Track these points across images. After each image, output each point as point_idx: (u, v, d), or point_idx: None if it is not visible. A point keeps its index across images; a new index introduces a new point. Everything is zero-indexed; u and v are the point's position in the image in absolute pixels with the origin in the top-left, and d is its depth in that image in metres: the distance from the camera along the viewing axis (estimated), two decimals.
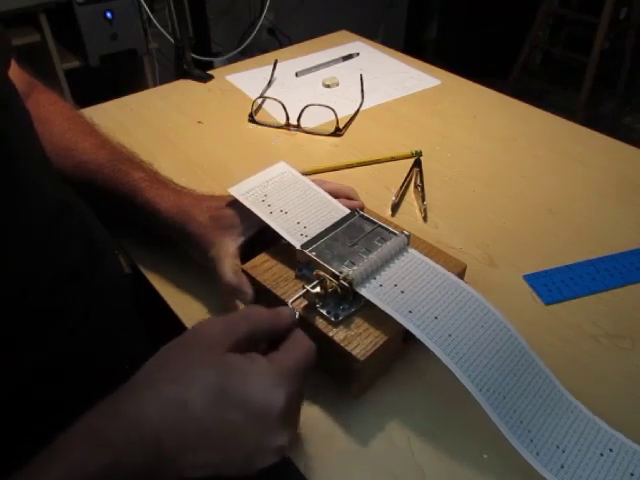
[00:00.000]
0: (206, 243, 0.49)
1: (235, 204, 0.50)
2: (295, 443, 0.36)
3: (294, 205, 0.50)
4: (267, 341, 0.36)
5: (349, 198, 0.54)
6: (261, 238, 0.50)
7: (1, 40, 0.54)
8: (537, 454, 0.36)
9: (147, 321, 0.55)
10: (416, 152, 0.71)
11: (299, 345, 0.35)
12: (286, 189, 0.52)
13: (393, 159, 0.71)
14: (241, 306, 0.48)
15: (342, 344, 0.41)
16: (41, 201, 0.42)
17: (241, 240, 0.49)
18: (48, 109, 0.59)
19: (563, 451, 0.37)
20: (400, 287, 0.43)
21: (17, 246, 0.38)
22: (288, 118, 0.78)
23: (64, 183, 0.50)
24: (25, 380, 0.39)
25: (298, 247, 0.46)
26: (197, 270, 0.53)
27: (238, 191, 0.51)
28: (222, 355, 0.32)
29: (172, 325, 0.50)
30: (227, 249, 0.48)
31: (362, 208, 0.53)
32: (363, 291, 0.43)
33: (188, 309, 0.51)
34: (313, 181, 0.54)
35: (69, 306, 0.42)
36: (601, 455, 0.37)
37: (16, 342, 0.38)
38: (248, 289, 0.46)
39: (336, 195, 0.53)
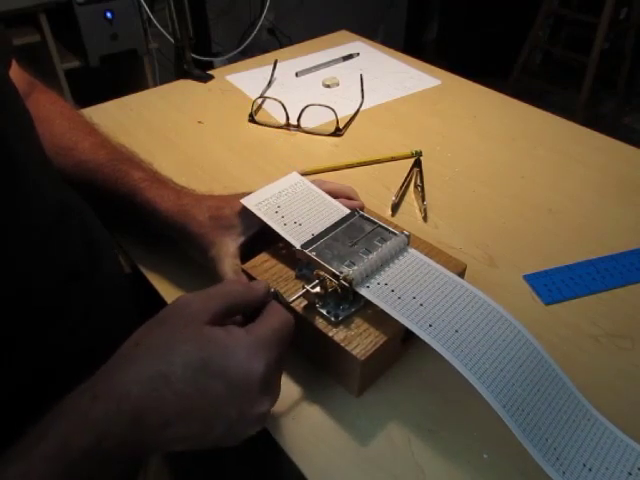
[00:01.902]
0: (206, 243, 0.49)
1: (235, 204, 0.50)
2: (271, 410, 0.36)
3: (308, 217, 0.50)
4: (244, 314, 0.37)
5: (349, 198, 0.54)
6: (261, 238, 0.50)
7: (2, 40, 0.54)
8: (564, 473, 0.35)
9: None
10: (416, 152, 0.71)
11: (274, 315, 0.36)
12: (299, 200, 0.52)
13: (393, 159, 0.71)
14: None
15: (342, 344, 0.41)
16: (41, 201, 0.42)
17: (241, 240, 0.49)
18: (48, 109, 0.59)
19: (590, 469, 0.36)
20: (400, 287, 0.43)
21: (17, 246, 0.38)
22: (288, 118, 0.78)
23: (64, 183, 0.50)
24: (25, 380, 0.39)
25: (298, 247, 0.46)
26: (197, 270, 0.53)
27: (250, 202, 0.50)
28: (201, 328, 0.33)
29: None
30: (227, 249, 0.48)
31: (362, 208, 0.53)
32: (363, 291, 0.43)
33: None
34: (313, 181, 0.54)
35: (69, 306, 0.42)
36: (629, 474, 0.36)
37: (16, 342, 0.38)
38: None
39: (336, 195, 0.53)
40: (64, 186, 0.49)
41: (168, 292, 0.53)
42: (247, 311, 0.37)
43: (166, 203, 0.52)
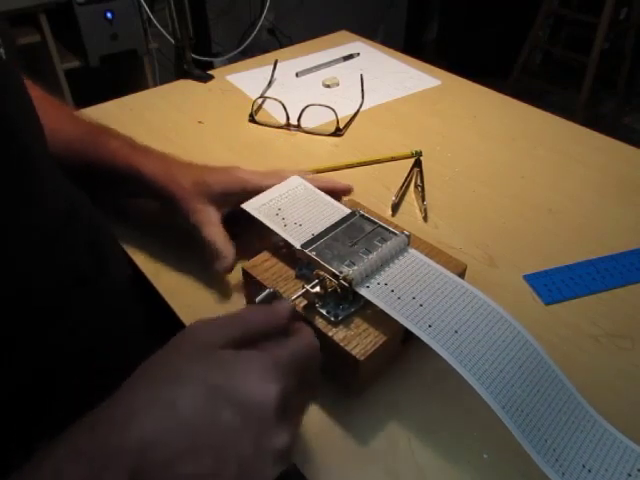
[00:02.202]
0: (190, 209, 0.50)
1: (220, 175, 0.52)
2: (296, 448, 0.34)
3: (308, 218, 0.50)
4: (267, 340, 0.34)
5: (335, 189, 0.56)
6: (243, 218, 0.51)
7: (6, 33, 0.54)
8: (563, 474, 0.35)
9: (148, 322, 0.55)
10: (416, 152, 0.71)
11: (297, 338, 0.34)
12: (300, 202, 0.52)
13: (393, 159, 0.71)
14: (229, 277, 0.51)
15: (342, 344, 0.41)
16: (52, 201, 0.42)
17: (224, 211, 0.51)
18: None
19: (589, 470, 0.36)
20: (400, 287, 0.43)
21: (23, 246, 0.38)
22: (288, 118, 0.78)
23: (72, 183, 0.50)
24: (25, 380, 0.39)
25: (298, 247, 0.46)
26: (199, 270, 0.53)
27: (251, 206, 0.51)
28: (212, 353, 0.31)
29: (172, 325, 0.50)
30: (209, 217, 0.50)
31: (350, 190, 0.56)
32: (363, 291, 0.43)
33: (188, 309, 0.51)
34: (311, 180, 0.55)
35: (69, 307, 0.42)
36: (629, 475, 0.36)
37: (16, 342, 0.38)
38: (229, 254, 0.48)
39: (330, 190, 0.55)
40: (72, 187, 0.49)
41: (169, 294, 0.53)
42: (271, 339, 0.34)
43: (151, 167, 0.52)
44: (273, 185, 0.53)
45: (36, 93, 0.58)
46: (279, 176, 0.54)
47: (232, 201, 0.52)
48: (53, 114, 0.56)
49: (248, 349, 0.32)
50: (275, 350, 0.32)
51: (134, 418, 0.28)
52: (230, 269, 0.49)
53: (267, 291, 0.38)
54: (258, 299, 0.38)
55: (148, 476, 0.27)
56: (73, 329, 0.42)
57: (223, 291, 0.52)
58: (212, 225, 0.49)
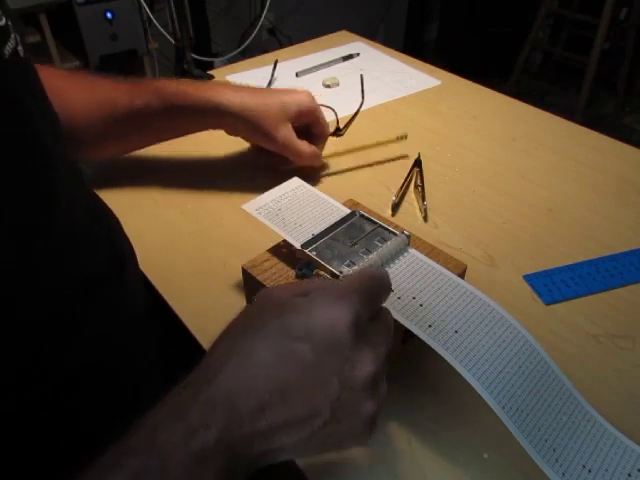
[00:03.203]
0: (274, 129, 0.60)
1: (294, 96, 0.63)
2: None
3: (309, 218, 0.50)
4: None
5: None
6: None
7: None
8: (563, 474, 0.35)
9: (163, 335, 0.54)
10: (402, 136, 0.72)
11: (363, 270, 0.35)
12: (300, 202, 0.52)
13: (378, 143, 0.73)
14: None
15: None
16: (73, 205, 0.41)
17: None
18: (57, 83, 0.58)
19: (590, 471, 0.36)
20: (400, 287, 0.43)
21: (47, 252, 0.37)
22: None
23: (94, 192, 0.49)
24: (45, 388, 0.38)
25: (298, 246, 0.46)
26: (199, 271, 0.53)
27: (251, 207, 0.51)
28: (286, 302, 0.31)
29: (180, 333, 0.50)
30: (293, 133, 0.62)
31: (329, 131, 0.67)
32: None
33: (187, 308, 0.51)
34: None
35: (93, 312, 0.41)
36: (629, 475, 0.36)
37: (39, 350, 0.37)
38: (319, 153, 0.65)
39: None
40: (93, 194, 0.49)
41: (170, 294, 0.53)
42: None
43: (234, 98, 0.59)
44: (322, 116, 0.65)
45: (69, 76, 0.61)
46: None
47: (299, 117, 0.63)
48: (90, 86, 0.61)
49: None
50: (342, 284, 0.32)
51: (218, 373, 0.28)
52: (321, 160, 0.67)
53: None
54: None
55: (240, 429, 0.27)
56: (93, 338, 0.42)
57: (223, 291, 0.52)
58: (295, 138, 0.62)
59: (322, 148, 0.67)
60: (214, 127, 0.64)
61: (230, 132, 0.65)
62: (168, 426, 0.27)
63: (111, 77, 0.62)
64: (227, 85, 0.63)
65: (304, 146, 0.62)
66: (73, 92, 0.59)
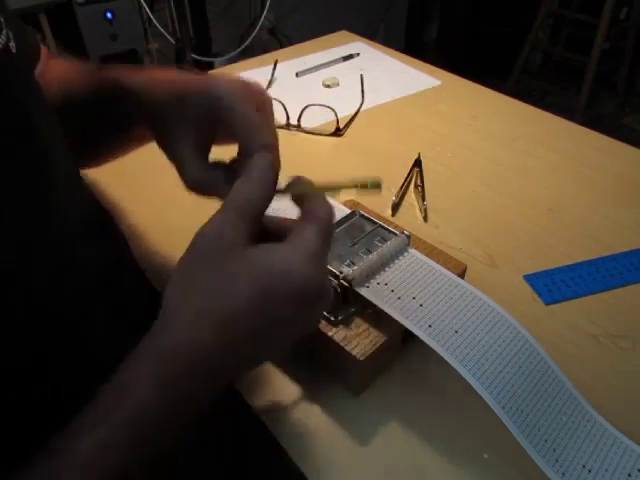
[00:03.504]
0: (168, 130, 0.42)
1: (196, 88, 0.40)
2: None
3: None
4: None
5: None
6: None
7: (31, 42, 0.50)
8: (563, 474, 0.36)
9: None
10: (376, 184, 0.68)
11: (312, 214, 0.33)
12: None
13: (351, 184, 0.67)
14: None
15: (341, 344, 0.41)
16: (70, 205, 0.41)
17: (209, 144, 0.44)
18: (50, 64, 0.56)
19: (590, 471, 0.36)
20: (400, 287, 0.43)
21: (49, 252, 0.37)
22: (288, 118, 0.78)
23: (90, 189, 0.48)
24: (45, 389, 0.38)
25: None
26: None
27: None
28: (245, 257, 0.32)
29: None
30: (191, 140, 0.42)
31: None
32: (363, 291, 0.43)
33: None
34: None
35: (91, 314, 0.41)
36: (629, 475, 0.36)
37: (38, 351, 0.37)
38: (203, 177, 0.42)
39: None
40: (90, 192, 0.48)
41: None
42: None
43: (141, 77, 0.44)
44: (246, 111, 0.39)
45: (58, 60, 0.57)
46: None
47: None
48: (67, 73, 0.53)
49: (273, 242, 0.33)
50: (300, 237, 0.32)
51: (199, 340, 0.30)
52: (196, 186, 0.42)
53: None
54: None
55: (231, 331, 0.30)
56: (93, 337, 0.41)
57: None
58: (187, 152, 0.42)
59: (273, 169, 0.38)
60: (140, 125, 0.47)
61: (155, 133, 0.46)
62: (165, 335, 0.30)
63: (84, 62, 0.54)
64: (154, 68, 0.47)
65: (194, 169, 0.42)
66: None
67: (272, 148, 0.37)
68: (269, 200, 0.34)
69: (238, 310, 0.30)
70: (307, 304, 0.32)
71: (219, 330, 0.30)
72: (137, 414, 0.29)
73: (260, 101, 0.40)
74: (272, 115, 0.42)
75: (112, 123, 0.49)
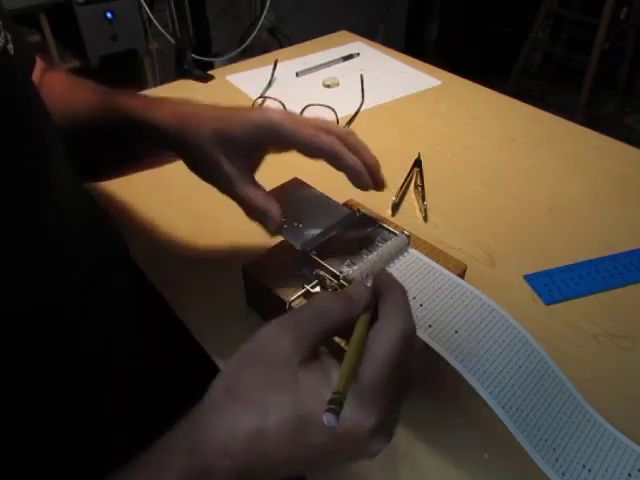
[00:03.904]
0: (213, 163, 0.43)
1: (245, 119, 0.43)
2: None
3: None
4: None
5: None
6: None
7: (26, 47, 0.51)
8: (563, 474, 0.35)
9: (149, 329, 0.54)
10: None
11: (381, 341, 0.30)
12: (300, 203, 0.51)
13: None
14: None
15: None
16: (68, 203, 0.41)
17: (253, 160, 0.45)
18: (50, 79, 0.56)
19: (590, 470, 0.36)
20: None
21: (43, 248, 0.37)
22: None
23: (86, 188, 0.48)
24: (44, 386, 0.38)
25: (298, 247, 0.46)
26: (197, 269, 0.53)
27: None
28: (295, 374, 0.29)
29: (177, 332, 0.50)
30: (237, 171, 0.43)
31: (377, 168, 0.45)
32: None
33: (187, 308, 0.51)
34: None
35: (90, 312, 0.41)
36: (629, 475, 0.36)
37: (37, 349, 0.37)
38: (276, 211, 0.43)
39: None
40: (89, 194, 0.48)
41: (169, 293, 0.53)
42: (349, 332, 0.32)
43: (162, 113, 0.44)
44: (308, 136, 0.42)
45: (58, 74, 0.56)
46: (316, 126, 0.43)
47: (263, 149, 0.45)
48: (71, 90, 0.53)
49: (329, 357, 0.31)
50: (362, 372, 0.30)
51: (227, 450, 0.28)
52: (280, 227, 0.44)
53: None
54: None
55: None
56: (92, 336, 0.41)
57: (222, 290, 0.52)
58: (243, 182, 0.43)
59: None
60: (158, 153, 0.51)
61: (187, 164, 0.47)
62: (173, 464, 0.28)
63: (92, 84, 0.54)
64: (168, 100, 0.47)
65: (253, 193, 0.44)
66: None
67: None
68: (347, 323, 0.32)
69: (266, 426, 0.28)
70: (348, 442, 0.29)
71: (245, 441, 0.29)
72: None
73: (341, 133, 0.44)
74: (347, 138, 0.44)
75: (122, 150, 0.50)
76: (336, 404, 0.26)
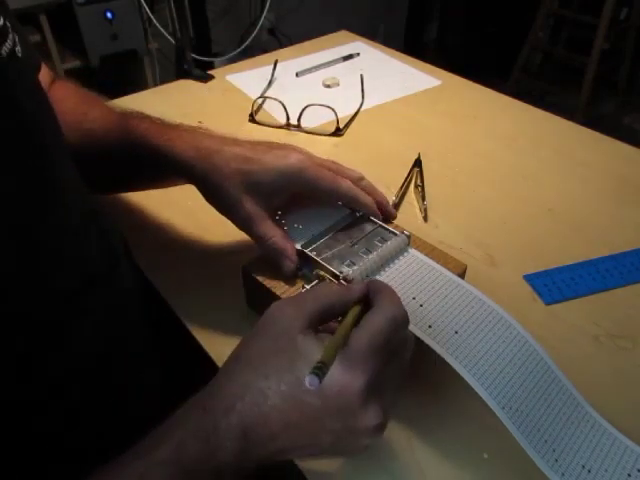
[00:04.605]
0: (234, 201, 0.44)
1: (266, 158, 0.44)
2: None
3: (309, 218, 0.49)
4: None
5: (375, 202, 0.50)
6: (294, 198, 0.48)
7: (31, 49, 0.51)
8: (562, 474, 0.35)
9: (154, 329, 0.54)
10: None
11: (374, 317, 0.33)
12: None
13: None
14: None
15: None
16: (70, 202, 0.41)
17: (275, 202, 0.46)
18: (61, 90, 0.56)
19: (589, 471, 0.36)
20: (400, 287, 0.43)
21: (44, 248, 0.37)
22: (288, 118, 0.78)
23: (88, 188, 0.48)
24: (44, 387, 0.38)
25: (298, 247, 0.46)
26: (198, 269, 0.53)
27: None
28: (294, 338, 0.32)
29: (177, 332, 0.50)
30: (259, 210, 0.45)
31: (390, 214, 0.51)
32: None
33: (187, 309, 0.51)
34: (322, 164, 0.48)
35: (90, 312, 0.41)
36: (629, 475, 0.36)
37: (37, 349, 0.37)
38: (293, 252, 0.45)
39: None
40: (88, 191, 0.48)
41: (170, 295, 0.53)
42: (344, 314, 0.35)
43: (180, 144, 0.45)
44: (329, 184, 0.45)
45: (69, 86, 0.57)
46: (331, 169, 0.46)
47: (286, 194, 0.47)
48: (84, 105, 0.54)
49: (327, 330, 0.34)
50: (352, 337, 0.32)
51: (234, 407, 0.31)
52: (296, 270, 0.45)
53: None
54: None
55: (254, 450, 0.31)
56: (91, 335, 0.41)
57: (222, 290, 0.52)
58: (263, 221, 0.45)
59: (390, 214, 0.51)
60: (173, 180, 0.52)
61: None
62: (191, 446, 0.31)
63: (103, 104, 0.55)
64: (185, 129, 0.49)
65: (272, 233, 0.45)
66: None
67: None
68: (344, 305, 0.35)
69: (267, 386, 0.32)
70: (339, 407, 0.31)
71: (249, 399, 0.32)
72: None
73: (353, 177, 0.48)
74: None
75: (136, 172, 0.52)
76: (319, 369, 0.28)
